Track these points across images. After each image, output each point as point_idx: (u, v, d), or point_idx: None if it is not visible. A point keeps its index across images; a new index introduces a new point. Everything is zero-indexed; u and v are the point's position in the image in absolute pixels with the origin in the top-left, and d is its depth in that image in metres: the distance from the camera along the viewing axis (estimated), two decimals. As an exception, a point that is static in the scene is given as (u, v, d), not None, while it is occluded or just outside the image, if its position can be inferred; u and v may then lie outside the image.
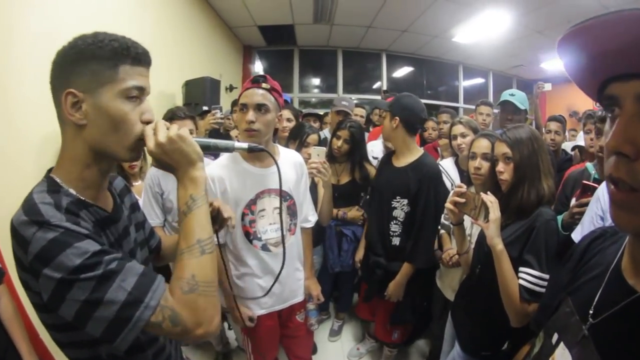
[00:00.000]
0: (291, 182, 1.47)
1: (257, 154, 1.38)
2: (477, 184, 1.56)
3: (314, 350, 2.32)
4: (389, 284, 1.82)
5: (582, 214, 1.39)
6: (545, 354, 0.59)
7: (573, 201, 1.49)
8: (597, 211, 1.30)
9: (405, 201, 1.77)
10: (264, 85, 1.31)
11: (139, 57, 0.67)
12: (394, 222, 1.81)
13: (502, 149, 1.27)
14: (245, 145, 0.83)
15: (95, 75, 0.64)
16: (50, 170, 0.70)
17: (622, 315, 0.47)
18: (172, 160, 0.69)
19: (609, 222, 1.22)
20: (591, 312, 0.52)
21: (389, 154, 1.95)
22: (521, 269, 1.14)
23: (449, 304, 1.72)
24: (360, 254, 2.14)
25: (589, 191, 1.41)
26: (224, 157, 1.46)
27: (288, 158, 1.51)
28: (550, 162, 1.28)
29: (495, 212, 1.15)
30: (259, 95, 1.29)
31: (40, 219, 0.58)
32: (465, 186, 1.32)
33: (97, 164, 0.70)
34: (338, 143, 2.16)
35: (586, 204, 1.38)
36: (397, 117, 1.73)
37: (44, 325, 0.68)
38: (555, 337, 0.59)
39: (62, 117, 0.66)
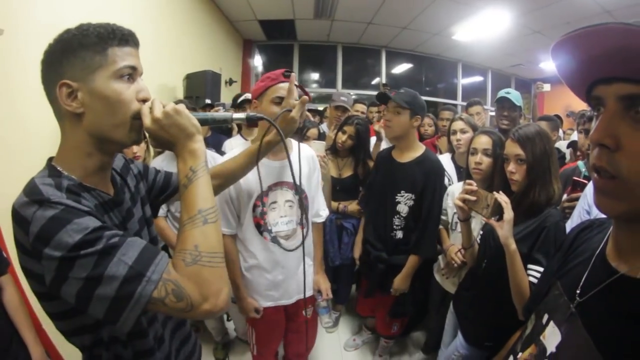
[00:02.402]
0: (304, 176, 1.45)
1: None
2: (477, 178, 1.59)
3: (312, 341, 2.37)
4: (390, 278, 1.83)
5: (572, 208, 1.45)
6: (537, 333, 0.64)
7: (565, 197, 1.55)
8: (584, 206, 1.38)
9: (410, 195, 1.78)
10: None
11: (125, 37, 0.68)
12: (397, 216, 1.83)
13: (515, 149, 1.27)
14: (242, 115, 0.84)
15: (85, 63, 0.64)
16: (51, 160, 0.70)
17: (605, 293, 0.52)
18: (170, 135, 0.69)
19: (593, 215, 1.29)
20: (578, 292, 0.57)
21: (389, 150, 1.94)
22: (531, 266, 1.16)
23: (448, 297, 1.76)
24: (357, 251, 2.12)
25: (579, 187, 1.47)
26: (238, 149, 1.45)
27: (301, 152, 1.49)
28: (558, 164, 1.30)
29: (509, 212, 1.15)
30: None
31: (40, 197, 0.58)
32: (475, 183, 1.32)
33: (99, 152, 0.70)
34: (343, 138, 2.17)
35: (576, 199, 1.45)
36: (419, 116, 1.74)
37: (47, 314, 0.68)
38: (546, 317, 0.64)
39: (59, 111, 0.67)
